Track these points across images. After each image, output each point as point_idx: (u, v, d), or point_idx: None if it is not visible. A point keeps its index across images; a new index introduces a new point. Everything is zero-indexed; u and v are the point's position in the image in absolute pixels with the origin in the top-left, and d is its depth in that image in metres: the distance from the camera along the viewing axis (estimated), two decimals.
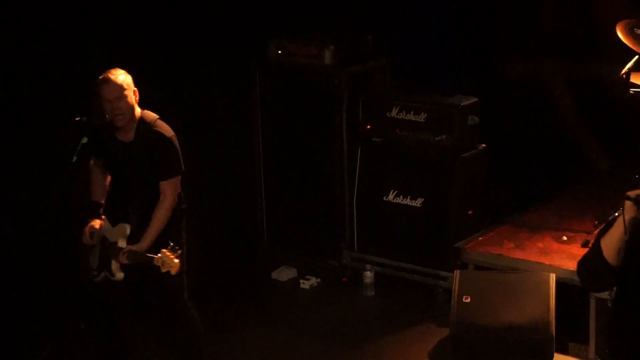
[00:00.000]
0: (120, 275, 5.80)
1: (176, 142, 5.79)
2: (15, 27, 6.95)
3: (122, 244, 5.78)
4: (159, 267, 5.48)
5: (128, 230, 5.79)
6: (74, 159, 5.58)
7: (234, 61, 8.11)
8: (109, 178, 5.98)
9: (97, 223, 5.87)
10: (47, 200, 6.83)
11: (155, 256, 5.51)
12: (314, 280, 7.78)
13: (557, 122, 8.22)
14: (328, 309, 7.43)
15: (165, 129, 5.80)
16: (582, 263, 4.41)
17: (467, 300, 6.24)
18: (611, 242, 4.25)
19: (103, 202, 5.95)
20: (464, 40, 7.81)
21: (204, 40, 8.04)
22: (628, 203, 4.18)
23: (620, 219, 4.21)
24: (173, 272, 5.48)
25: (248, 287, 7.79)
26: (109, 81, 5.67)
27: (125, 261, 5.64)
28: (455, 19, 7.78)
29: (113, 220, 5.87)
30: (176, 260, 5.46)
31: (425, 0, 7.78)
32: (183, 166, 5.84)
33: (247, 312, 7.37)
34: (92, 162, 5.94)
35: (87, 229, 5.86)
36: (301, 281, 7.79)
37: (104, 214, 5.92)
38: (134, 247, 5.65)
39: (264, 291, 7.75)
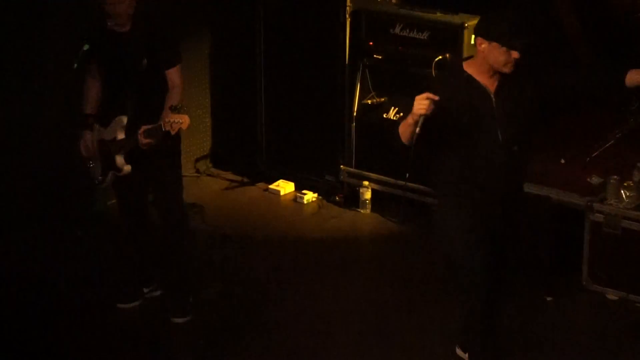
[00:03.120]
0: (127, 167, 5.82)
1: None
2: None
3: (120, 135, 5.79)
4: (168, 133, 5.49)
5: (125, 120, 5.79)
6: (75, 65, 5.59)
7: None
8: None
9: (89, 134, 5.88)
10: (50, 108, 6.89)
11: (163, 122, 5.50)
12: (310, 195, 7.82)
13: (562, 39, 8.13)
14: (323, 224, 7.47)
15: (163, 18, 5.80)
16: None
17: None
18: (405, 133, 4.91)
19: (95, 113, 5.94)
20: None
21: None
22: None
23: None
24: (184, 126, 5.47)
25: (246, 199, 7.82)
26: None
27: (145, 140, 5.58)
28: None
29: (106, 121, 5.87)
30: (183, 115, 5.46)
31: None
32: None
33: (244, 222, 7.42)
34: (87, 70, 5.91)
35: (82, 142, 5.87)
36: (297, 195, 7.83)
37: (95, 122, 5.92)
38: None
39: (260, 203, 7.78)
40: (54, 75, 6.87)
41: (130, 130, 5.76)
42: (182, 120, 5.47)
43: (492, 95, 5.01)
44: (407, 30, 7.32)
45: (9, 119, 6.94)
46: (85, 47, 5.62)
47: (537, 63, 5.10)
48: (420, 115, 4.79)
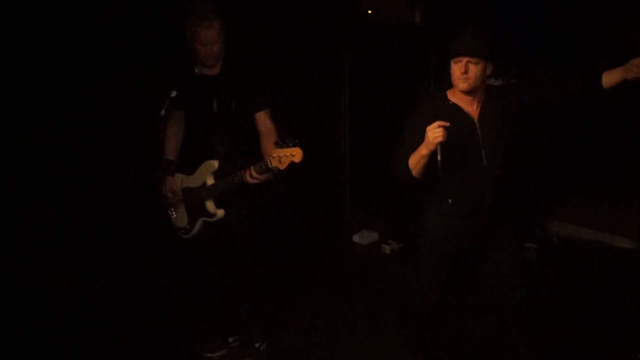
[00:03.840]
0: (220, 212, 5.78)
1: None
2: None
3: (210, 181, 5.75)
4: (276, 169, 5.43)
5: (216, 165, 5.73)
6: (162, 112, 5.52)
7: (324, 19, 8.03)
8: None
9: (171, 179, 5.84)
10: (134, 153, 6.87)
11: (269, 158, 5.42)
12: (395, 245, 7.69)
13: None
14: (408, 273, 7.32)
15: (254, 59, 5.73)
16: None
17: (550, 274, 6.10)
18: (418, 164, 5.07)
19: (175, 160, 5.91)
20: (554, 7, 7.58)
21: None
22: None
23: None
24: (297, 159, 5.36)
25: (329, 250, 7.73)
26: (210, 25, 5.50)
27: (255, 177, 5.51)
28: None
29: (191, 168, 5.82)
30: (293, 148, 5.35)
31: None
32: None
33: (328, 275, 7.32)
34: (171, 116, 5.88)
35: (166, 188, 5.84)
36: (382, 245, 7.71)
37: (176, 170, 5.89)
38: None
39: (345, 254, 7.69)
40: (134, 121, 6.88)
41: (220, 174, 5.70)
42: (294, 153, 5.37)
43: (476, 122, 5.11)
44: (493, 79, 7.21)
45: (91, 160, 6.96)
46: (173, 93, 5.56)
47: (515, 84, 5.25)
48: (438, 143, 4.90)
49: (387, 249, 7.68)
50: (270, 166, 5.44)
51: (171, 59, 5.93)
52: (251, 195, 5.76)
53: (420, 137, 4.98)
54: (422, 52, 7.42)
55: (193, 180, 5.83)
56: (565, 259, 6.77)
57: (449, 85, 5.12)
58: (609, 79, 4.93)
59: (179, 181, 5.88)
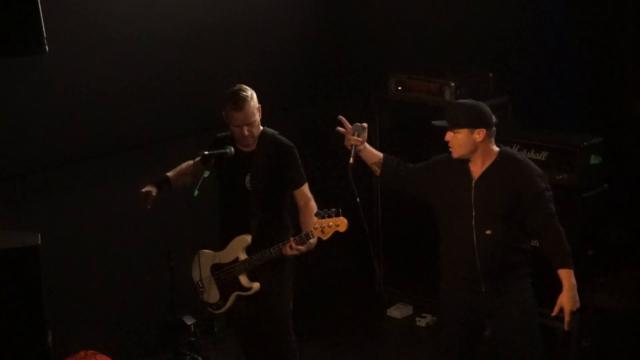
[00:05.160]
0: (256, 285, 5.85)
1: None
2: None
3: (243, 256, 5.83)
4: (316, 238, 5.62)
5: (249, 239, 5.82)
6: (196, 193, 5.65)
7: (354, 95, 8.16)
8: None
9: (155, 188, 5.93)
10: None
11: (311, 229, 5.57)
12: (429, 318, 7.71)
13: None
14: None
15: (287, 140, 5.89)
16: None
17: (587, 344, 6.08)
18: None
19: (171, 183, 6.00)
20: (587, 77, 7.65)
21: (326, 73, 8.10)
22: None
23: None
24: (342, 228, 5.54)
25: (364, 324, 7.76)
26: (241, 108, 5.69)
27: (295, 248, 5.65)
28: (578, 55, 7.63)
29: (222, 243, 5.92)
30: (337, 218, 5.55)
31: (547, 37, 7.64)
32: None
33: (363, 349, 7.34)
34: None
35: (145, 191, 5.90)
36: (417, 319, 7.73)
37: (203, 247, 5.97)
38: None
39: (379, 328, 7.71)
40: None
41: (254, 249, 5.80)
42: (338, 223, 5.53)
43: (473, 182, 5.40)
44: (525, 151, 7.26)
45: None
46: (206, 174, 5.72)
47: (524, 173, 5.39)
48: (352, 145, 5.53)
49: (422, 322, 7.69)
50: (311, 237, 5.56)
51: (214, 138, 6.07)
52: (282, 268, 5.86)
53: (426, 170, 5.62)
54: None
55: (223, 256, 5.92)
56: (602, 330, 6.71)
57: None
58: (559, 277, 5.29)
59: (209, 258, 5.97)
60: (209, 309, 6.05)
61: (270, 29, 7.65)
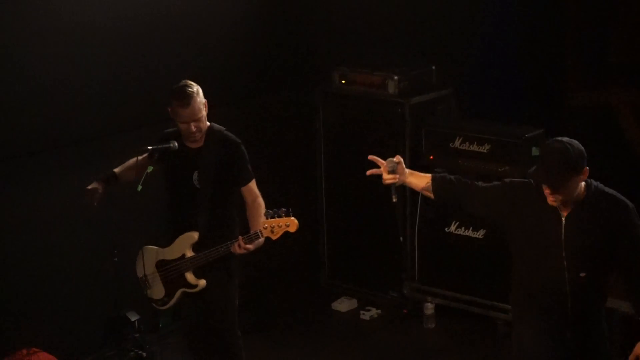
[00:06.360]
0: (202, 282, 5.81)
1: None
2: None
3: (190, 253, 5.80)
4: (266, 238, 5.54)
5: (196, 236, 5.78)
6: (140, 188, 5.60)
7: (299, 89, 8.15)
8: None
9: (101, 185, 5.86)
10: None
11: (261, 229, 5.54)
12: (374, 311, 7.74)
13: (625, 154, 8.07)
14: (388, 340, 7.37)
15: (234, 137, 5.85)
16: None
17: None
18: None
19: (117, 178, 5.94)
20: (529, 70, 7.73)
21: (270, 67, 8.09)
22: None
23: None
24: (292, 229, 5.51)
25: (308, 318, 7.77)
26: (188, 104, 5.63)
27: (244, 247, 5.60)
28: (519, 49, 7.70)
29: (168, 240, 5.88)
30: (287, 218, 5.50)
31: (489, 31, 7.71)
32: None
33: (308, 342, 7.35)
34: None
35: (90, 189, 5.84)
36: (361, 312, 7.76)
37: (149, 243, 5.94)
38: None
39: (324, 321, 7.72)
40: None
41: (200, 246, 5.78)
42: (288, 223, 5.51)
43: (563, 219, 4.83)
44: (467, 144, 7.32)
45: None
46: (149, 169, 5.67)
47: (619, 212, 4.85)
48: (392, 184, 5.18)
49: (366, 316, 7.72)
50: (261, 236, 5.55)
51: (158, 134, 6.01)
52: (228, 265, 5.84)
53: (502, 194, 5.00)
54: (396, 121, 7.52)
55: (168, 253, 5.87)
56: None
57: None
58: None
59: (154, 254, 5.94)
60: (154, 305, 6.01)
61: (213, 23, 7.61)
